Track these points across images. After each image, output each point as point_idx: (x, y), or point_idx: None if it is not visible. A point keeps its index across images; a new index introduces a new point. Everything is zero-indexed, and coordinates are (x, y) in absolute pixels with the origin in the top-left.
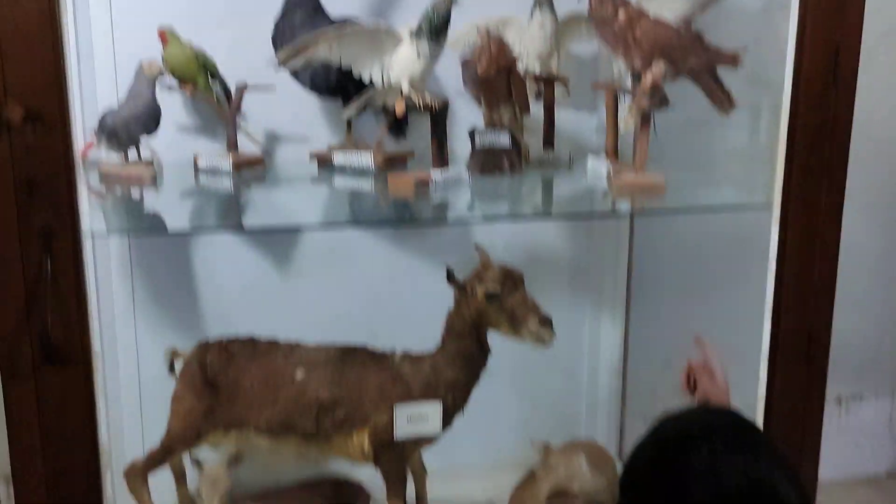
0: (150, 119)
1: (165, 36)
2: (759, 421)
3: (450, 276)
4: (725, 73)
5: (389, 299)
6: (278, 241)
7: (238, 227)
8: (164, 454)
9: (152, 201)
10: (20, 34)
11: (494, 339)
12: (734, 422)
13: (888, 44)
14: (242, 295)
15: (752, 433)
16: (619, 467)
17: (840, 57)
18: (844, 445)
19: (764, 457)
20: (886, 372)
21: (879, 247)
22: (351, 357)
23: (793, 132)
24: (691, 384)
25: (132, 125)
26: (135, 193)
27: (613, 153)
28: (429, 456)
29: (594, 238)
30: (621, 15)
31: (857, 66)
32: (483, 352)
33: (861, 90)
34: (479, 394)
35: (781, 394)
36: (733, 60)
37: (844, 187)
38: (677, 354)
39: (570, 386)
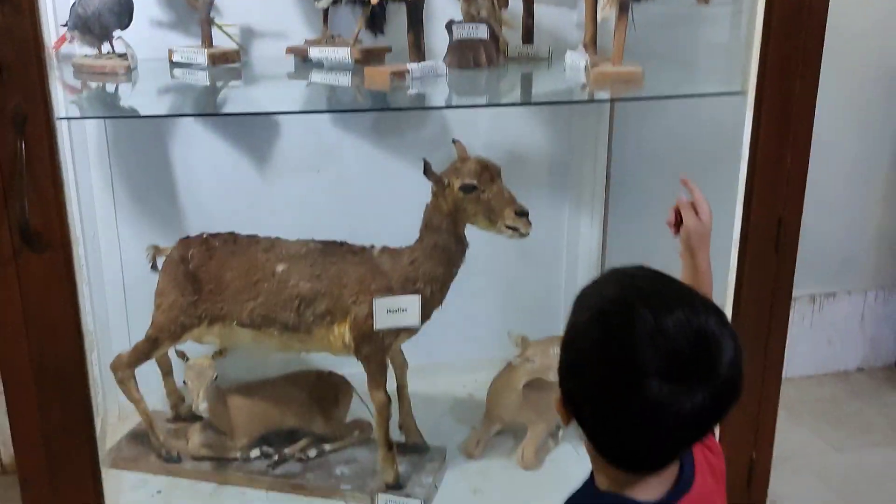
0: (124, 11)
1: None
2: (728, 308)
3: (427, 170)
4: None
5: (368, 195)
6: (257, 138)
7: (215, 114)
8: (150, 347)
9: (127, 93)
10: None
11: (473, 235)
12: (659, 279)
13: None
14: (222, 192)
15: (677, 284)
16: None
17: None
18: (817, 342)
19: (697, 306)
20: (858, 271)
21: (854, 148)
22: (331, 251)
23: (769, 20)
24: (677, 220)
25: (105, 17)
26: (109, 87)
27: (592, 45)
28: (410, 352)
29: (573, 132)
30: None
31: None
32: (460, 245)
33: None
34: (458, 290)
35: (751, 280)
36: None
37: (818, 74)
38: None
39: (548, 281)
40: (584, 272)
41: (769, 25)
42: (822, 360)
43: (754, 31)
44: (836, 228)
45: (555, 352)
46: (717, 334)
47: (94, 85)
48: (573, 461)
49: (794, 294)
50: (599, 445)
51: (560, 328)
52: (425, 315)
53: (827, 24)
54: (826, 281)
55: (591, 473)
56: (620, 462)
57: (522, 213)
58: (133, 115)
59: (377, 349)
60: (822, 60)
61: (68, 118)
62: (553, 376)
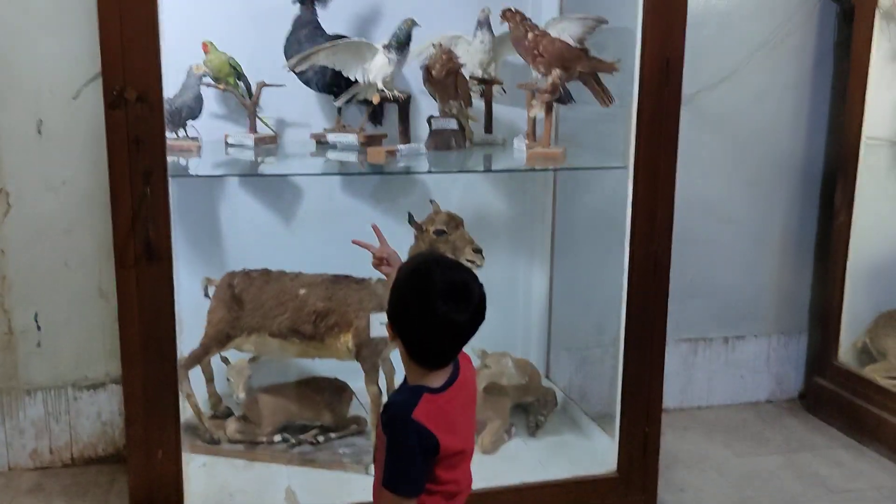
0: (196, 107)
1: (207, 46)
2: (623, 314)
3: (410, 219)
4: (609, 78)
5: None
6: (285, 199)
7: (256, 174)
8: (202, 353)
9: (196, 163)
10: (137, 45)
11: None
12: (436, 257)
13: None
14: (258, 238)
15: (451, 259)
16: (545, 382)
17: (670, 66)
18: (732, 377)
19: (462, 269)
20: (763, 317)
21: (753, 215)
22: (339, 281)
23: (641, 115)
24: (384, 262)
25: (184, 111)
26: (183, 160)
27: (531, 134)
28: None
29: (525, 198)
30: (530, 35)
31: (682, 70)
32: None
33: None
34: None
35: (636, 301)
36: (611, 68)
37: (676, 154)
38: (593, 286)
39: (507, 318)
40: (537, 308)
41: (641, 120)
42: (736, 392)
43: (631, 125)
44: (742, 281)
45: (507, 362)
46: (471, 281)
47: (174, 158)
48: (522, 450)
49: (710, 336)
50: (411, 352)
51: (515, 352)
52: None
53: (731, 120)
54: (736, 326)
55: (405, 377)
56: (424, 361)
57: (478, 251)
58: (207, 175)
59: (372, 353)
60: (729, 149)
61: (174, 175)
62: (505, 380)
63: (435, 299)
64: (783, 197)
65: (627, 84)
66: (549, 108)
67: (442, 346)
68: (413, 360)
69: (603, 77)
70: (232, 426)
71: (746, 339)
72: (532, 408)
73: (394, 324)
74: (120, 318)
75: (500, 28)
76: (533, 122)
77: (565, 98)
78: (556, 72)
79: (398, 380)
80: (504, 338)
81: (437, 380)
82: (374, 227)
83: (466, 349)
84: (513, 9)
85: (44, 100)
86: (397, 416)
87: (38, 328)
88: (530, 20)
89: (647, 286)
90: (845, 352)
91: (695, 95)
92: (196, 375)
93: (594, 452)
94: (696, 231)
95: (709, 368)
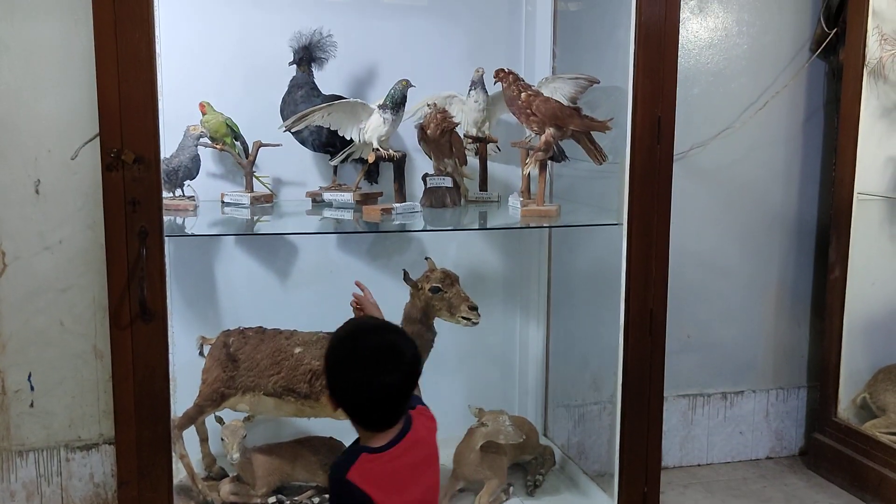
0: (194, 167)
1: (204, 107)
2: (619, 371)
3: (406, 277)
4: (602, 136)
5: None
6: (280, 257)
7: (253, 233)
8: (197, 413)
9: (192, 223)
10: (135, 107)
11: (445, 336)
12: (364, 321)
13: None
14: (253, 296)
15: (379, 321)
16: (543, 440)
17: (661, 124)
18: (731, 433)
19: (390, 330)
20: (761, 373)
21: (749, 272)
22: None
23: (633, 171)
24: (360, 308)
25: (181, 171)
26: (179, 219)
27: (526, 191)
28: None
29: (521, 254)
30: (523, 95)
31: (674, 127)
32: (431, 332)
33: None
34: (430, 382)
35: (632, 356)
36: (603, 127)
37: (669, 210)
38: (590, 340)
39: (504, 376)
40: (533, 369)
41: (633, 177)
42: (735, 449)
43: (624, 181)
44: (739, 337)
45: (504, 420)
46: (400, 342)
47: (170, 218)
48: None
49: (708, 392)
50: (353, 416)
51: (513, 409)
52: None
53: (724, 175)
54: (734, 381)
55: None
56: (365, 425)
57: (473, 308)
58: (203, 234)
59: None
60: (723, 203)
61: (170, 235)
62: (503, 439)
63: (363, 364)
64: (778, 250)
65: (620, 141)
66: (542, 166)
67: (377, 408)
68: (356, 424)
69: (595, 135)
70: (226, 488)
71: (745, 394)
72: (530, 466)
73: (331, 392)
74: (114, 377)
75: (494, 87)
76: (528, 179)
77: (559, 156)
78: (550, 130)
79: None
80: (501, 395)
81: (380, 440)
82: (358, 283)
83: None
84: (506, 69)
85: (42, 159)
86: (332, 477)
87: (32, 388)
88: (523, 80)
89: (643, 341)
90: (845, 408)
91: (687, 152)
92: (189, 435)
93: None
94: (692, 285)
95: (707, 425)
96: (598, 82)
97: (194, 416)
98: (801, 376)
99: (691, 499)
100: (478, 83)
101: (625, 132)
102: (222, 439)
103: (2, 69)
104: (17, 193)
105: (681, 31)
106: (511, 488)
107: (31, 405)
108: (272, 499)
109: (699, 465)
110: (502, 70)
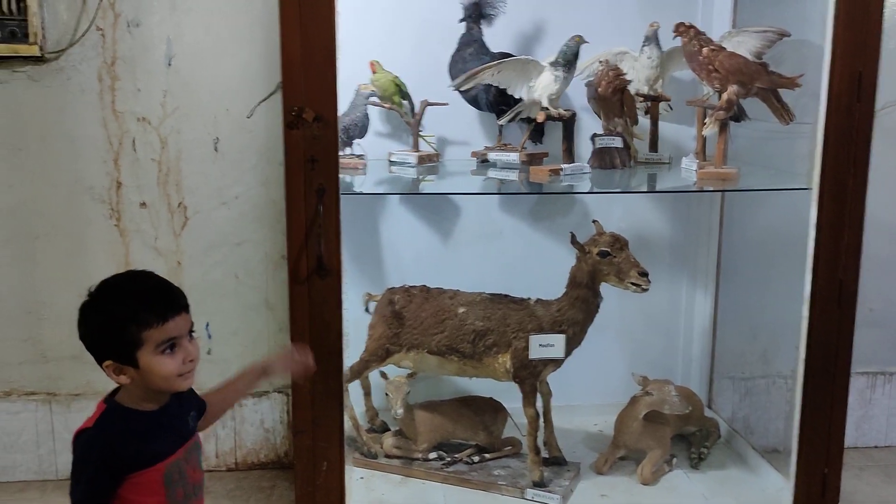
0: (363, 126)
1: (374, 66)
2: (802, 344)
3: (573, 240)
4: (787, 93)
5: (526, 260)
6: (445, 217)
7: (419, 193)
8: (362, 367)
9: (361, 181)
10: (315, 66)
11: (609, 304)
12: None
13: None
14: (418, 255)
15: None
16: (708, 412)
17: (862, 80)
18: None
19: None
20: None
21: None
22: (498, 300)
23: (828, 133)
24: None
25: (352, 130)
26: (349, 178)
27: (702, 153)
28: (553, 396)
29: (690, 219)
30: (704, 50)
31: (876, 85)
32: (596, 297)
33: None
34: (593, 350)
35: (818, 331)
36: (792, 84)
37: (867, 175)
38: (761, 315)
39: (668, 344)
40: (699, 339)
41: (828, 138)
42: None
43: (816, 144)
44: None
45: (669, 389)
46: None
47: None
48: (684, 483)
49: (890, 370)
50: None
51: (675, 379)
52: (567, 352)
53: None
54: None
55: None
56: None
57: (644, 274)
58: (372, 192)
59: (530, 375)
60: None
61: (345, 193)
62: (668, 409)
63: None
64: None
65: (806, 99)
66: (722, 126)
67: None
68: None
69: (782, 92)
70: (389, 441)
71: None
72: (694, 438)
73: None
74: (292, 331)
75: (667, 43)
76: (703, 140)
77: (740, 115)
78: (733, 88)
79: (556, 402)
80: (664, 364)
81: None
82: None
83: None
84: (686, 23)
85: (220, 118)
86: None
87: (209, 336)
88: (704, 34)
89: (830, 315)
90: None
91: (880, 111)
92: (353, 389)
93: (764, 490)
94: (878, 256)
95: (888, 405)
96: (790, 35)
97: (360, 371)
98: None
99: (868, 482)
100: (651, 38)
101: (814, 90)
102: (386, 394)
103: (185, 30)
104: (199, 151)
105: None
106: (674, 460)
107: (209, 352)
108: (433, 454)
109: (876, 447)
110: (682, 24)
